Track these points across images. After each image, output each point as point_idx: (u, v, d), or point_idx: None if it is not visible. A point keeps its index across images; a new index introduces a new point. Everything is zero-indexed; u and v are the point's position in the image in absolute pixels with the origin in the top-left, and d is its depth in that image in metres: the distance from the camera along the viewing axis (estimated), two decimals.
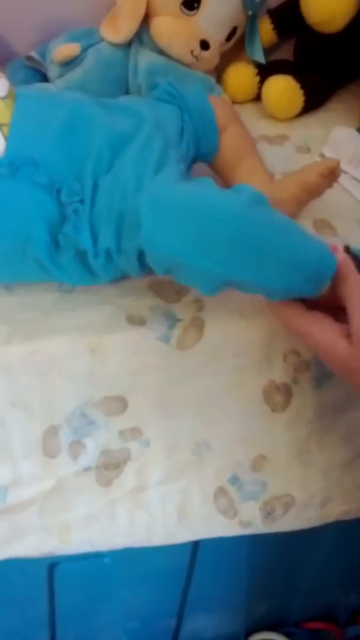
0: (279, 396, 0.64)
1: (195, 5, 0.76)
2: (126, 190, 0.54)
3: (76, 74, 0.80)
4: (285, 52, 0.92)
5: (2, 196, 0.55)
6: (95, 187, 0.56)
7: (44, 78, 0.83)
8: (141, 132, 0.59)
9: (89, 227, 0.55)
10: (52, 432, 0.61)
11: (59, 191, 0.55)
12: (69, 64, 0.80)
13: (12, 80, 0.82)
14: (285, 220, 0.52)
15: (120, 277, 0.61)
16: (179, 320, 0.60)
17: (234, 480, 0.66)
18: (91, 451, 0.63)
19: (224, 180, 0.70)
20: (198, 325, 0.60)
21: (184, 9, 0.77)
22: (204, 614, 0.87)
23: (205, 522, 0.67)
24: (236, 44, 0.85)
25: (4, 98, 0.59)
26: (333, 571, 0.86)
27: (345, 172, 0.73)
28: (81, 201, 0.55)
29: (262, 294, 0.53)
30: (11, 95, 0.60)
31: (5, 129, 0.56)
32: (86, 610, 0.80)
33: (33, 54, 0.83)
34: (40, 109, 0.60)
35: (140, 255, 0.55)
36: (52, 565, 0.72)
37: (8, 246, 0.56)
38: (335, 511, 0.69)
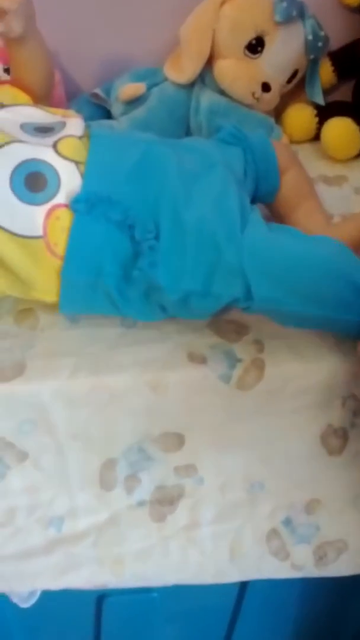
0: (335, 440, 0.63)
1: (259, 49, 0.78)
2: (217, 239, 0.56)
3: (140, 111, 0.82)
4: (343, 93, 0.93)
5: (78, 231, 0.56)
6: (174, 226, 0.57)
7: (108, 114, 0.86)
8: (214, 173, 0.61)
9: (167, 265, 0.56)
10: (109, 465, 0.62)
11: (131, 227, 0.57)
12: (134, 102, 0.82)
13: None
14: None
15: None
16: (239, 360, 0.60)
17: (287, 522, 0.66)
18: (146, 486, 0.63)
19: (282, 221, 0.71)
20: (259, 365, 0.60)
21: (247, 52, 0.79)
22: None
23: (256, 563, 0.66)
24: (296, 84, 0.86)
25: (80, 137, 0.61)
26: None
27: None
28: (156, 238, 0.57)
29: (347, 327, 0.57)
30: (86, 135, 0.62)
31: (81, 167, 0.58)
32: None
33: (98, 91, 0.86)
34: (114, 149, 0.61)
35: (230, 302, 0.57)
36: (100, 597, 0.72)
37: (81, 279, 0.57)
38: None
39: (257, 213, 0.60)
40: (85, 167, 0.58)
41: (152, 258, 0.56)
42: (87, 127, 0.63)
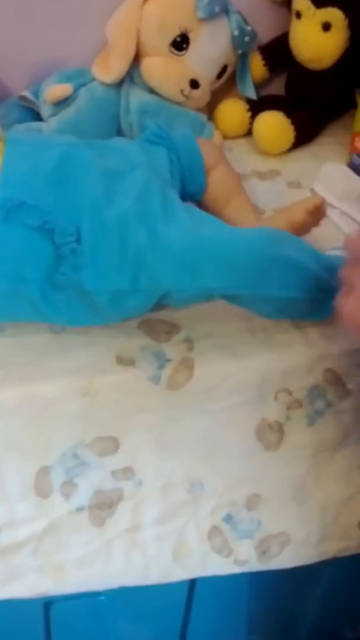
0: (271, 434, 0.64)
1: (184, 46, 0.78)
2: (139, 236, 0.56)
3: (69, 112, 0.81)
4: (277, 87, 0.93)
5: None
6: (96, 227, 0.56)
7: (38, 117, 0.84)
8: (136, 172, 0.60)
9: (92, 266, 0.56)
10: (44, 472, 0.61)
11: (51, 232, 0.56)
12: (62, 103, 0.81)
13: (6, 119, 0.84)
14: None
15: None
16: (168, 360, 0.60)
17: (228, 518, 0.66)
18: (84, 491, 0.63)
19: None
20: (188, 365, 0.60)
21: (173, 49, 0.78)
22: None
23: (200, 561, 0.67)
24: (228, 79, 0.86)
25: None
26: (334, 606, 0.85)
27: (335, 208, 0.74)
28: (77, 241, 0.56)
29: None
30: (1, 139, 0.61)
31: None
32: None
33: (26, 93, 0.85)
34: (31, 152, 0.61)
35: (162, 296, 0.57)
36: (47, 604, 0.72)
37: (3, 288, 0.56)
38: (333, 549, 0.69)
39: (179, 206, 0.60)
40: (0, 172, 0.57)
41: (75, 261, 0.56)
42: (3, 131, 0.62)
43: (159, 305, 0.59)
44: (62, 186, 0.58)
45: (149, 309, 0.59)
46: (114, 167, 0.61)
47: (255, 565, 0.68)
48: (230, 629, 0.83)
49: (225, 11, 0.79)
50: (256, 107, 0.87)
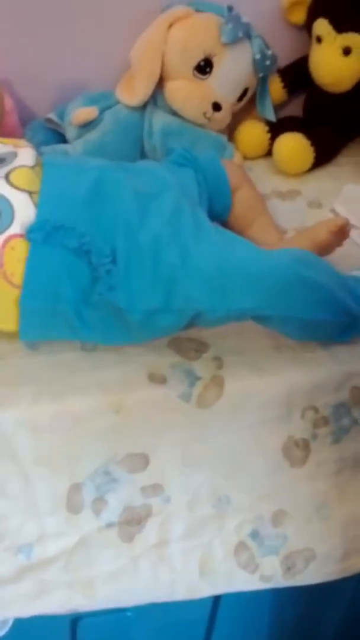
0: (297, 451, 0.65)
1: (208, 70, 0.80)
2: (172, 256, 0.57)
3: (94, 135, 0.83)
4: (294, 108, 0.95)
5: (34, 260, 0.57)
6: (130, 248, 0.58)
7: (63, 139, 0.86)
8: (167, 194, 0.62)
9: (126, 287, 0.57)
10: (75, 488, 0.62)
11: (88, 253, 0.57)
12: (87, 125, 0.83)
13: (32, 141, 0.85)
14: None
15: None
16: (199, 378, 0.62)
17: (255, 535, 0.67)
18: (113, 507, 0.64)
19: None
20: (218, 383, 0.62)
21: (196, 73, 0.80)
22: None
23: (226, 577, 0.67)
24: (248, 101, 0.88)
25: (32, 167, 0.61)
26: (356, 618, 0.85)
27: (358, 228, 0.75)
28: (113, 262, 0.57)
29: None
30: (39, 164, 0.62)
31: (35, 197, 0.59)
32: None
33: (52, 115, 0.87)
34: (67, 176, 0.62)
35: (194, 317, 0.58)
36: (74, 620, 0.73)
37: (39, 306, 0.58)
38: (357, 565, 0.69)
39: (210, 227, 0.61)
40: (38, 196, 0.59)
41: (110, 282, 0.57)
42: (40, 155, 0.64)
43: (190, 325, 0.60)
44: (97, 209, 0.59)
45: (180, 329, 0.61)
46: (146, 189, 0.62)
47: (281, 581, 0.68)
48: None
49: (248, 36, 0.81)
50: (275, 129, 0.89)
